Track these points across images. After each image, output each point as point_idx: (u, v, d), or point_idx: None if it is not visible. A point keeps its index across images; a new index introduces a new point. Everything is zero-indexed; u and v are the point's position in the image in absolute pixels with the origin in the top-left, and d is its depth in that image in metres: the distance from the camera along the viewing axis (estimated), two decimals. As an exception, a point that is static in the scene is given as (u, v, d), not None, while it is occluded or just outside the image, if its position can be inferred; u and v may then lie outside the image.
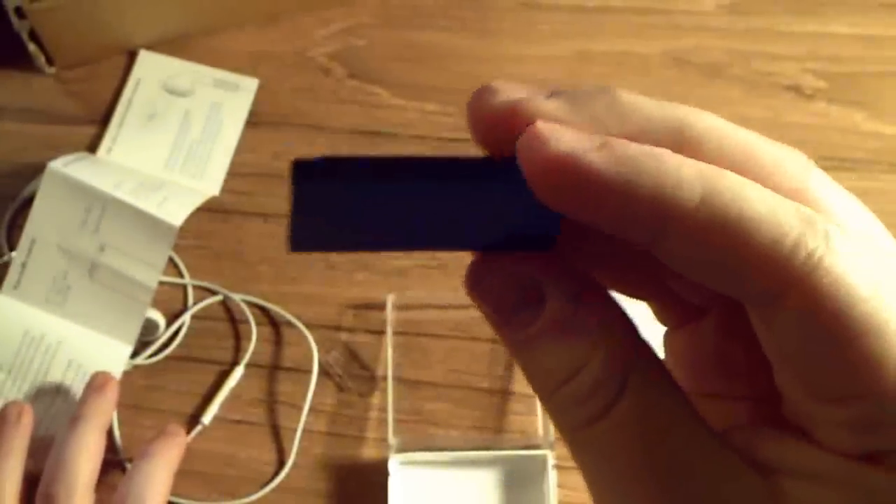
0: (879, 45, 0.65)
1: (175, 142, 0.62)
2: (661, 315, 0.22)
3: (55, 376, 0.55)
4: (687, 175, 0.15)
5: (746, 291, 0.16)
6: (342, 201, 0.17)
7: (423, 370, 0.55)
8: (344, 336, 0.56)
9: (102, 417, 0.50)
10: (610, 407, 0.17)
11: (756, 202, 0.15)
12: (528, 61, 0.65)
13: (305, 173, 0.17)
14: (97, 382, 0.51)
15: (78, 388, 0.55)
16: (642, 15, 0.66)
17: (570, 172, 0.16)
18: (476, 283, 0.18)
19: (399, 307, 0.56)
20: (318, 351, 0.56)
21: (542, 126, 0.16)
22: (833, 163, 0.61)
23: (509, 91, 0.17)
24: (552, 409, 0.18)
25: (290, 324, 0.57)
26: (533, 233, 0.18)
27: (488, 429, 0.55)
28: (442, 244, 0.18)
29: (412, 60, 0.65)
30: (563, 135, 0.16)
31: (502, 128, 0.17)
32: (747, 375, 0.20)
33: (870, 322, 0.15)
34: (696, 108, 0.17)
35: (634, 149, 0.16)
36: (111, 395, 0.51)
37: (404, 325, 0.56)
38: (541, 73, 0.64)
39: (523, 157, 0.16)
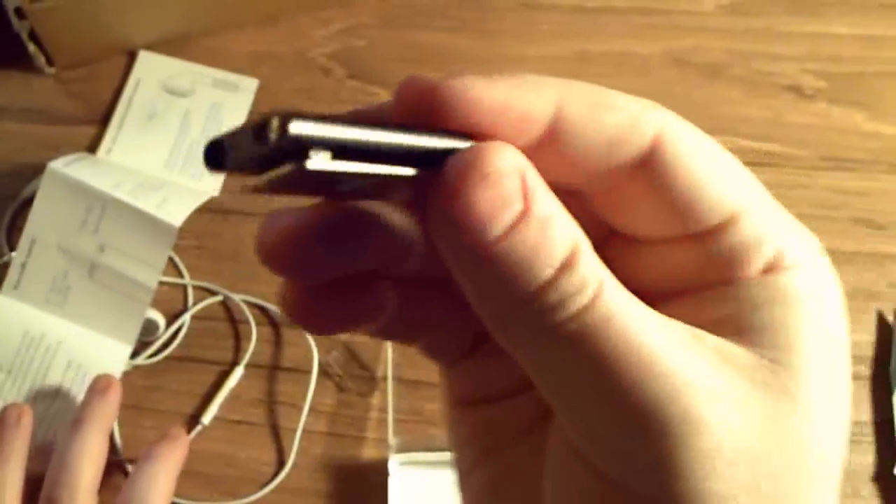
0: (879, 45, 0.65)
1: (175, 142, 0.62)
2: (436, 353, 0.23)
3: (55, 377, 0.55)
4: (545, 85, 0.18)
5: (626, 154, 0.18)
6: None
7: (423, 370, 0.55)
8: (344, 336, 0.56)
9: (105, 420, 0.50)
10: (600, 291, 0.16)
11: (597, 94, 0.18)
12: (528, 61, 0.65)
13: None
14: (100, 385, 0.51)
15: (78, 389, 0.55)
16: (642, 15, 0.66)
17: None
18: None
19: (399, 307, 0.56)
20: (318, 351, 0.56)
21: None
22: (833, 163, 0.61)
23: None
24: (536, 311, 0.16)
25: (290, 324, 0.57)
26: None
27: (488, 429, 0.55)
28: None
29: (412, 60, 0.65)
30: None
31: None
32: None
33: (716, 155, 0.18)
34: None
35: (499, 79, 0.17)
36: (114, 398, 0.51)
37: (404, 325, 0.56)
38: (541, 73, 0.64)
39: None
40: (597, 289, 0.16)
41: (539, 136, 0.17)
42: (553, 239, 0.16)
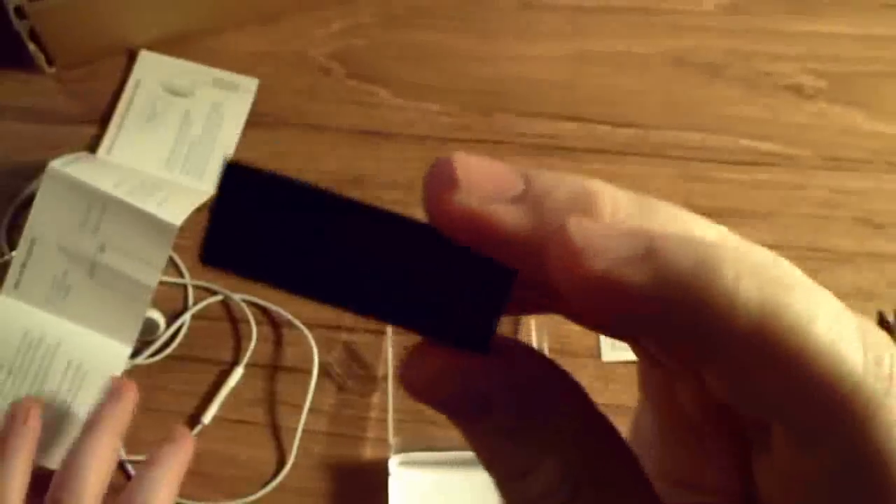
0: (879, 45, 0.65)
1: (175, 142, 0.62)
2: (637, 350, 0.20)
3: (55, 376, 0.55)
4: (745, 290, 0.14)
5: (790, 421, 0.15)
6: (266, 223, 0.16)
7: (423, 370, 0.55)
8: (344, 336, 0.56)
9: (118, 424, 0.50)
10: None
11: (820, 328, 0.14)
12: (528, 61, 0.65)
13: (237, 179, 0.16)
14: (114, 387, 0.51)
15: (78, 389, 0.55)
16: (642, 15, 0.66)
17: (610, 290, 0.14)
18: (413, 378, 0.17)
19: (399, 307, 0.56)
20: (318, 351, 0.56)
21: (575, 234, 0.14)
22: (833, 163, 0.61)
23: (470, 186, 0.15)
24: (503, 498, 0.17)
25: (290, 324, 0.57)
26: (465, 325, 0.16)
27: (488, 429, 0.54)
28: (366, 306, 0.16)
29: (412, 60, 0.65)
30: (601, 245, 0.14)
31: (458, 225, 0.15)
32: (721, 460, 0.18)
33: None
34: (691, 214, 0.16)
35: (684, 257, 0.14)
36: (128, 402, 0.50)
37: (404, 325, 0.56)
38: (541, 73, 0.64)
39: (557, 270, 0.15)
40: None
41: None
42: (507, 452, 0.16)
